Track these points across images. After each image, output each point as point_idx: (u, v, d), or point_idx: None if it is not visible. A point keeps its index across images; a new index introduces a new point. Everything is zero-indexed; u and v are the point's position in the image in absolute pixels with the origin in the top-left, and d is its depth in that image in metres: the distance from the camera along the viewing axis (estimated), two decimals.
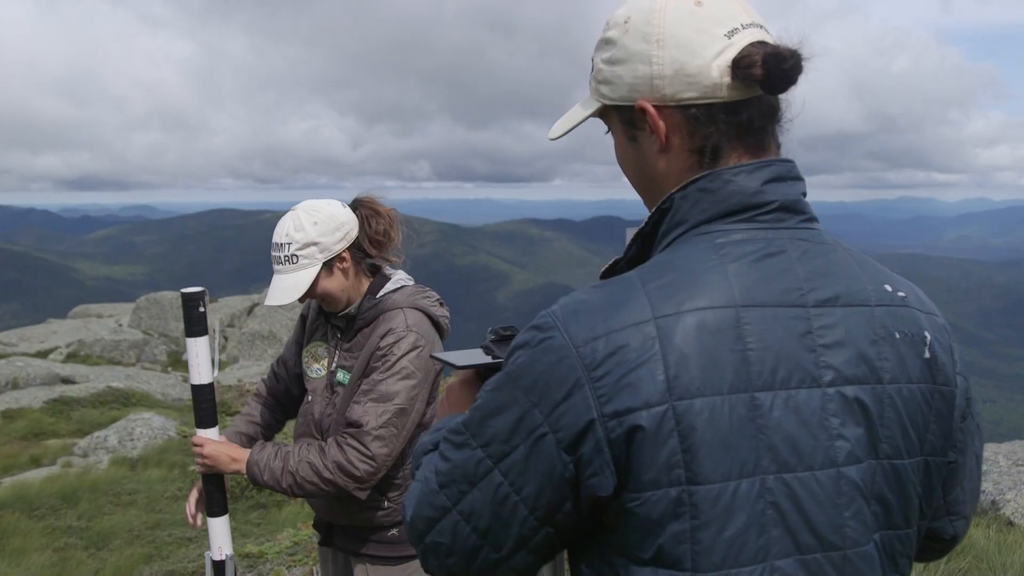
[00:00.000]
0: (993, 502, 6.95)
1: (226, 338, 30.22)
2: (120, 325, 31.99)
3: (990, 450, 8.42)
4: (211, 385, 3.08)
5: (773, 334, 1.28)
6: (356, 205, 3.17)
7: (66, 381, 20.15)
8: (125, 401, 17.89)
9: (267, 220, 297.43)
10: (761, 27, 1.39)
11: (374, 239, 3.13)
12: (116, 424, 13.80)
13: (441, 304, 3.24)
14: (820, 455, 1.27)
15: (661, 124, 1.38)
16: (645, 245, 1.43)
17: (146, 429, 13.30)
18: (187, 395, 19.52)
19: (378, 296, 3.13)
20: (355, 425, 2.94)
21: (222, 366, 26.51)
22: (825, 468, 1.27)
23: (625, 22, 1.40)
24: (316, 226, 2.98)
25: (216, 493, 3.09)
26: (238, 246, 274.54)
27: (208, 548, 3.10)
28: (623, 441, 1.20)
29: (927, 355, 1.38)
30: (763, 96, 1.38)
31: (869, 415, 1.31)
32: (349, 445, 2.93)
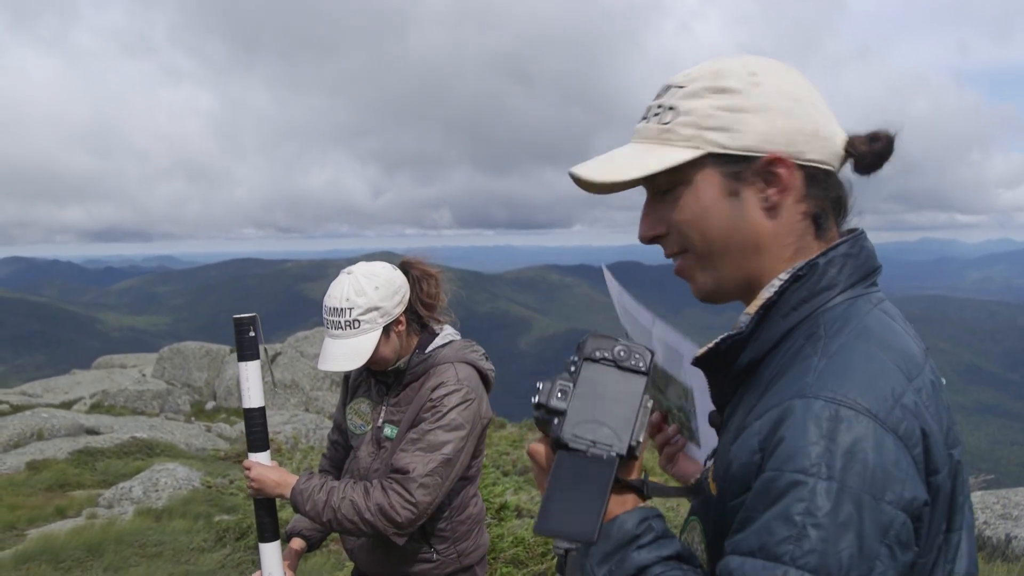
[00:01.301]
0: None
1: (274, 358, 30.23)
2: (143, 375, 32.10)
3: (1021, 495, 8.31)
4: (262, 409, 3.03)
5: (940, 388, 1.34)
6: (406, 267, 3.18)
7: (90, 432, 20.15)
8: (149, 451, 17.86)
9: (289, 269, 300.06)
10: None
11: (426, 301, 3.14)
12: (140, 475, 13.78)
13: (486, 358, 3.23)
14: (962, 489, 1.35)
15: (790, 180, 1.37)
16: (765, 315, 1.39)
17: (171, 480, 13.26)
18: (211, 445, 19.53)
19: (428, 351, 3.12)
20: (401, 471, 2.91)
21: None
22: (967, 500, 1.37)
23: (751, 75, 1.37)
24: (378, 291, 2.97)
25: (267, 518, 3.08)
26: (260, 295, 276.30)
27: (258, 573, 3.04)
28: None
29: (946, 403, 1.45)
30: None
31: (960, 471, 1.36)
32: (393, 490, 2.90)
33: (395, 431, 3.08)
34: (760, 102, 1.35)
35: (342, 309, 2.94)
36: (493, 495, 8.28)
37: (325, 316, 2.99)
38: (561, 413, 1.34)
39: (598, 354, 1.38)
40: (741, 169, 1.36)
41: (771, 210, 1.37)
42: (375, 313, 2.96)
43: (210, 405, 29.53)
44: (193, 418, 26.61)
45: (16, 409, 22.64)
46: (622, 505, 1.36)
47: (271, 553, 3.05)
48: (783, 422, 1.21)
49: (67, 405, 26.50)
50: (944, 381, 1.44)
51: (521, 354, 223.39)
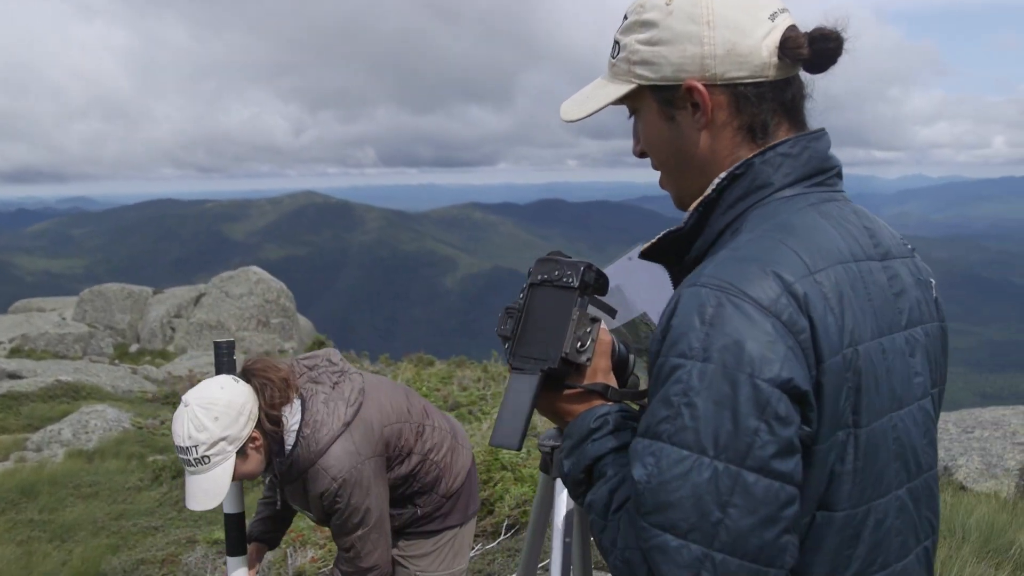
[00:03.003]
0: (946, 468, 7.17)
1: (173, 329, 29.94)
2: (64, 319, 31.52)
3: (941, 419, 8.62)
4: (241, 515, 3.18)
5: (877, 285, 1.42)
6: (248, 375, 2.99)
7: (12, 376, 19.82)
8: (75, 394, 17.65)
9: (210, 209, 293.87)
10: (789, 11, 1.49)
11: (271, 414, 2.93)
12: (69, 417, 13.67)
13: (335, 386, 3.10)
14: (911, 391, 1.43)
15: (710, 102, 1.45)
16: (706, 213, 1.48)
17: (100, 421, 13.19)
18: (138, 387, 19.37)
19: (288, 455, 2.98)
20: (346, 550, 3.07)
21: (169, 356, 26.31)
22: (915, 402, 1.44)
23: (668, 4, 1.45)
24: (218, 421, 2.79)
25: (236, 533, 3.20)
26: (180, 236, 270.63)
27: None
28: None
29: (935, 295, 1.57)
30: (798, 75, 1.49)
31: (926, 351, 1.48)
32: (350, 572, 3.08)
33: (305, 511, 3.21)
34: (671, 33, 1.44)
35: (187, 448, 2.79)
36: None
37: (177, 453, 2.89)
38: (508, 339, 1.52)
39: (540, 277, 1.54)
40: (670, 96, 1.49)
41: (705, 129, 1.48)
42: (222, 443, 2.81)
43: (134, 347, 29.17)
44: (117, 360, 26.29)
45: None
46: (588, 406, 1.52)
47: (238, 564, 3.22)
48: (675, 311, 1.31)
49: None
50: (933, 282, 1.59)
51: (447, 292, 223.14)
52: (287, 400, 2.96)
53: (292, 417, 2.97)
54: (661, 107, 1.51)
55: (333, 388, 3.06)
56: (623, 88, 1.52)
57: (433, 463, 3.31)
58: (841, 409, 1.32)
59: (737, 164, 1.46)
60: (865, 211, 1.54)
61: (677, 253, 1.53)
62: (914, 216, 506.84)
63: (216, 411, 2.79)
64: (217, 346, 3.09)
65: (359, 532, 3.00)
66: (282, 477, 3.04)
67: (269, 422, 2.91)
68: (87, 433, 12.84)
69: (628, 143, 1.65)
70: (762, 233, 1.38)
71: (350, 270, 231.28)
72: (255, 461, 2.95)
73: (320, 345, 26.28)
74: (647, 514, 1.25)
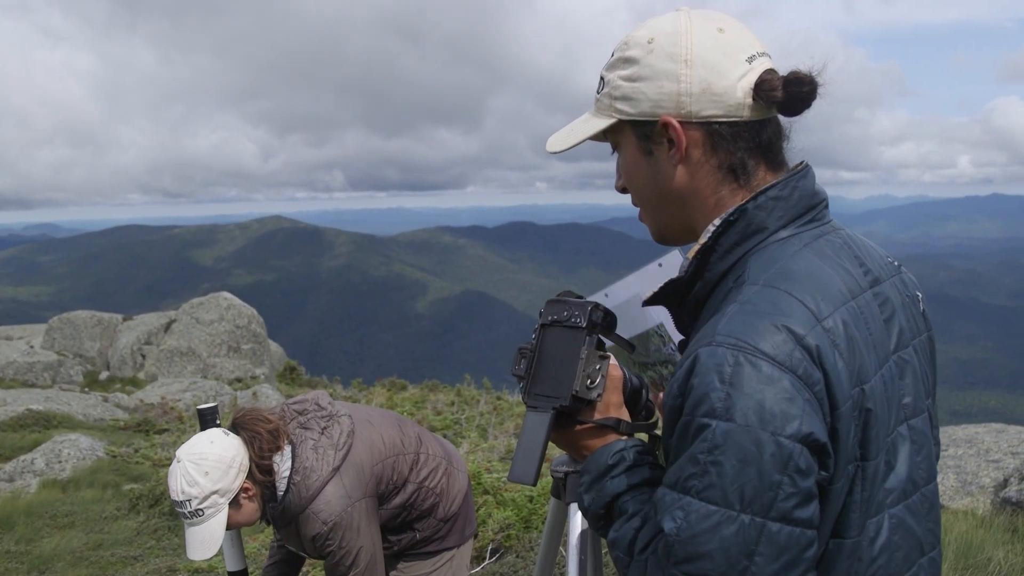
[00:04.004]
0: None
1: (144, 356, 29.71)
2: (31, 347, 31.18)
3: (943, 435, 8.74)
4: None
5: (872, 317, 1.47)
6: (237, 428, 3.08)
7: None
8: (46, 423, 17.43)
9: (177, 235, 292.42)
10: (769, 56, 1.54)
11: (261, 464, 3.01)
12: (42, 447, 13.50)
13: (323, 431, 3.16)
14: (900, 412, 1.48)
15: (684, 138, 1.50)
16: (704, 259, 1.53)
17: (74, 450, 13.04)
18: (109, 415, 19.19)
19: (280, 501, 3.06)
20: None
21: (140, 384, 26.10)
22: (903, 423, 1.49)
23: (649, 42, 1.51)
24: (208, 475, 2.89)
25: (231, 549, 3.27)
26: (147, 262, 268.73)
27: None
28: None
29: (922, 308, 1.64)
30: (775, 117, 1.55)
31: (915, 371, 1.52)
32: None
33: (302, 552, 3.28)
34: (651, 70, 1.51)
35: (181, 502, 2.90)
36: None
37: (174, 507, 3.00)
38: (523, 378, 1.60)
39: (550, 318, 1.62)
40: (648, 131, 1.55)
41: (681, 164, 1.53)
42: (214, 496, 2.90)
43: (104, 375, 28.89)
44: (87, 388, 26.03)
45: None
46: (604, 440, 1.59)
47: (232, 538, 3.26)
48: (693, 369, 1.36)
49: None
50: (920, 295, 1.65)
51: (418, 316, 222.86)
52: (277, 449, 3.04)
53: (283, 464, 3.05)
54: (640, 142, 1.57)
55: (322, 433, 3.13)
56: (604, 122, 1.59)
57: (429, 490, 3.36)
58: (851, 447, 1.39)
59: (730, 211, 1.51)
60: (852, 236, 1.61)
61: (678, 297, 1.58)
62: (880, 235, 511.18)
63: (206, 466, 2.89)
64: (201, 414, 3.19)
65: (352, 573, 3.07)
66: (275, 522, 3.12)
67: (260, 472, 3.00)
68: (60, 462, 12.70)
69: (596, 165, 1.71)
70: (765, 283, 1.43)
71: (320, 295, 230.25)
72: (249, 510, 3.04)
73: (292, 370, 26.21)
74: (678, 563, 1.32)
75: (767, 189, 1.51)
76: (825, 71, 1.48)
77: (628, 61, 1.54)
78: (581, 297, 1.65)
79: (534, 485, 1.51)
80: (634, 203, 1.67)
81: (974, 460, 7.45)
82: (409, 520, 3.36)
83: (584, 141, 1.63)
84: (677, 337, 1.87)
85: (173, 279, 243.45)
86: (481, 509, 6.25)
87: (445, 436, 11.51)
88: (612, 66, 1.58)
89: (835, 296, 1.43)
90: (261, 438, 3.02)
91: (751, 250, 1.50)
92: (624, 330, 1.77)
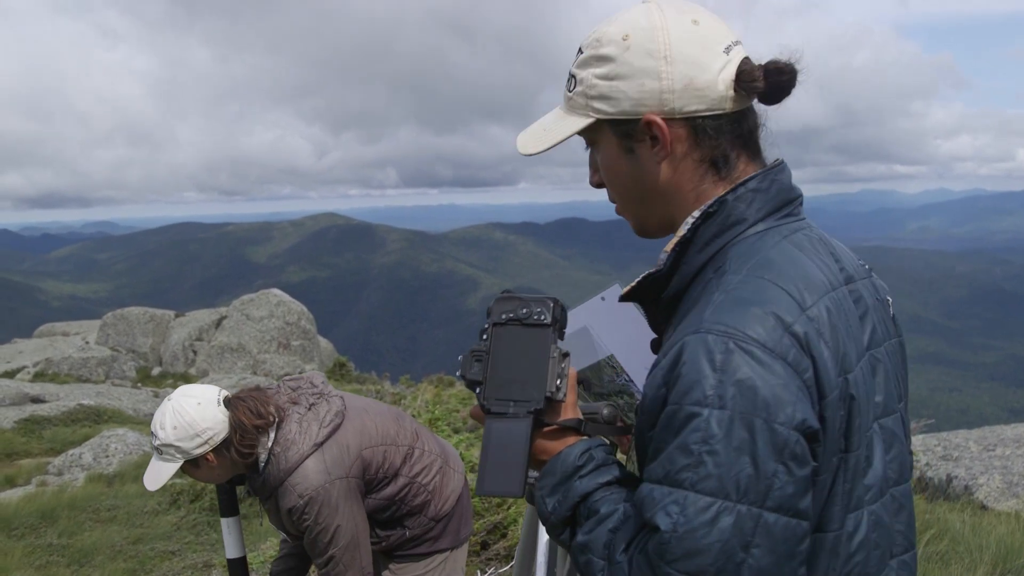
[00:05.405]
0: (967, 487, 7.08)
1: (195, 352, 30.09)
2: (87, 343, 31.74)
3: (961, 437, 8.56)
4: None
5: (849, 311, 1.45)
6: (230, 405, 3.09)
7: (36, 400, 19.96)
8: (97, 418, 17.76)
9: (231, 232, 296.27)
10: (742, 44, 1.51)
11: (241, 451, 3.04)
12: (90, 441, 13.72)
13: (312, 407, 3.17)
14: (872, 410, 1.44)
15: (669, 135, 1.46)
16: (682, 251, 1.50)
17: (121, 445, 13.23)
18: None
19: (260, 472, 3.09)
20: (321, 567, 3.14)
21: (191, 379, 26.41)
22: (875, 421, 1.45)
23: (624, 39, 1.46)
24: (175, 431, 2.96)
25: (224, 496, 3.33)
26: (202, 260, 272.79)
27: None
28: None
29: (891, 313, 1.62)
30: (753, 107, 1.52)
31: (886, 371, 1.49)
32: None
33: (281, 530, 3.31)
34: (629, 68, 1.46)
35: (152, 431, 3.04)
36: None
37: None
38: (479, 383, 1.48)
39: (504, 316, 1.51)
40: (629, 130, 1.50)
41: (665, 161, 1.50)
42: (172, 449, 2.98)
43: (156, 371, 29.33)
44: (139, 384, 26.43)
45: None
46: (564, 442, 1.50)
47: (231, 525, 3.35)
48: (681, 357, 1.32)
49: (10, 374, 26.20)
50: (890, 299, 1.63)
51: (469, 312, 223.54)
52: (256, 443, 3.06)
53: (267, 438, 3.10)
54: (620, 140, 1.53)
55: (309, 409, 3.16)
56: (582, 122, 1.53)
57: (421, 486, 3.36)
58: (837, 437, 1.37)
59: (710, 203, 1.48)
60: (826, 235, 1.59)
61: (655, 292, 1.55)
62: (936, 230, 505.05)
63: (178, 421, 2.97)
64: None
65: (331, 551, 3.08)
66: (256, 493, 3.17)
67: (239, 456, 3.05)
68: (107, 457, 12.88)
69: None
70: (748, 273, 1.41)
71: (372, 291, 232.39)
72: (207, 472, 3.10)
73: (341, 367, 26.38)
74: (674, 561, 1.26)
75: (746, 181, 1.49)
76: (803, 58, 1.46)
77: (603, 59, 1.49)
78: (532, 294, 1.55)
79: (522, 495, 1.43)
80: (612, 199, 1.63)
81: (1022, 460, 7.27)
82: (399, 515, 3.34)
83: (563, 142, 1.58)
84: (630, 366, 1.84)
85: (227, 276, 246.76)
86: (512, 508, 6.19)
87: None
88: (584, 64, 1.52)
89: (817, 286, 1.42)
90: (246, 434, 3.04)
91: (730, 242, 1.48)
92: (576, 362, 1.69)
